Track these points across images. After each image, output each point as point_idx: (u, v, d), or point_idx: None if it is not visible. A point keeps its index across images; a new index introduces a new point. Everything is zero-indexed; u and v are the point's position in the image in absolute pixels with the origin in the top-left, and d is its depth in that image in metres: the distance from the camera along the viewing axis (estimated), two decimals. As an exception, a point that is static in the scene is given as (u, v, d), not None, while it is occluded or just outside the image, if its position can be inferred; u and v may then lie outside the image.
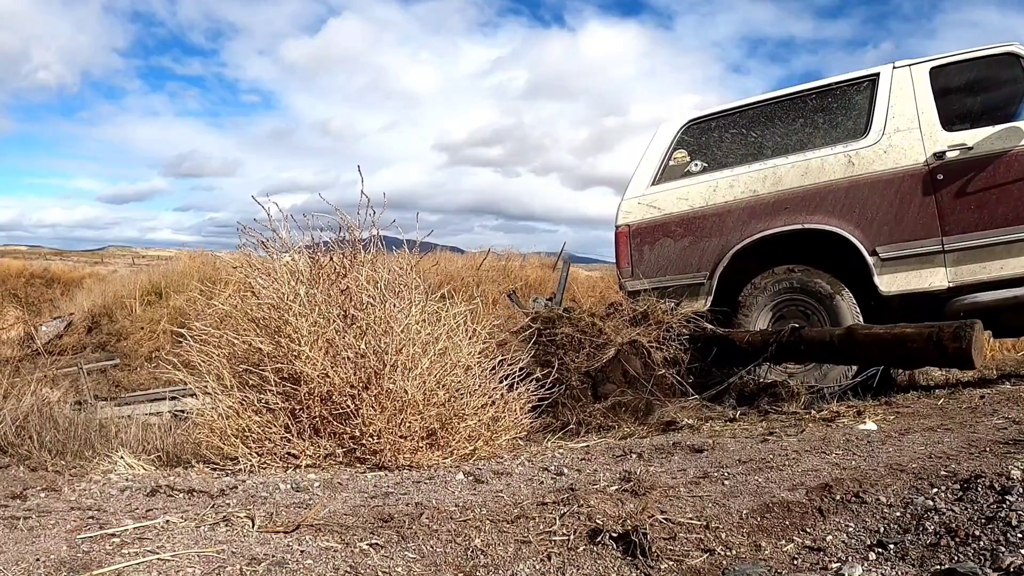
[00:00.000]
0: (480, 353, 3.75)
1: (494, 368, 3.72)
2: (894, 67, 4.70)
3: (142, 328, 13.28)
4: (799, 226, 4.61)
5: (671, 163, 5.13)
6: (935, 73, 4.58)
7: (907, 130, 4.51)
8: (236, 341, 3.50)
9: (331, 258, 3.70)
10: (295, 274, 3.64)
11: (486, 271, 14.40)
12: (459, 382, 3.55)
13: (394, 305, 3.48)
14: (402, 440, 3.27)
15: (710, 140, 5.15)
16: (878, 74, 4.71)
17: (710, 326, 4.60)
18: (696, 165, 5.10)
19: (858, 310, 4.51)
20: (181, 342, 3.73)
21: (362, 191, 3.71)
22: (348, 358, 3.32)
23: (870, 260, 4.46)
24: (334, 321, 3.41)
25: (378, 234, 3.80)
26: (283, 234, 3.84)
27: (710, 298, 4.83)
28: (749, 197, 4.78)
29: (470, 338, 3.74)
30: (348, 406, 3.27)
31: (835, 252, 4.58)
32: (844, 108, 4.81)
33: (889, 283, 4.45)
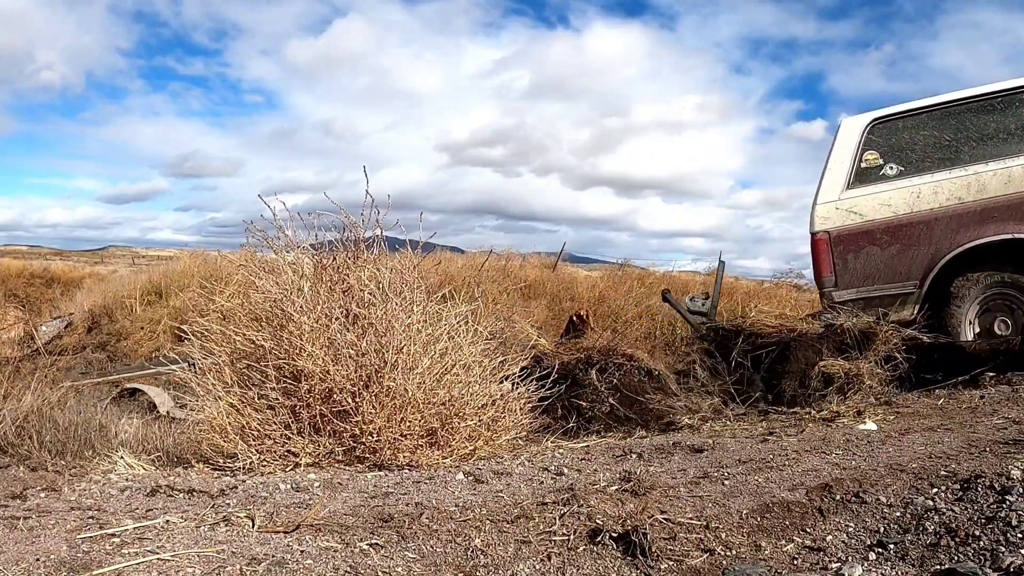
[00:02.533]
0: (481, 353, 3.75)
1: (493, 369, 3.72)
2: None
3: (142, 328, 13.25)
4: (1009, 236, 4.65)
5: (863, 165, 5.08)
6: None
7: None
8: (237, 338, 3.50)
9: (334, 257, 3.71)
10: (298, 272, 3.64)
11: (487, 271, 14.38)
12: (460, 381, 3.55)
13: (396, 304, 3.48)
14: (402, 439, 3.27)
15: (901, 141, 5.07)
16: None
17: (926, 337, 4.54)
18: (891, 168, 5.03)
19: None
20: (183, 340, 3.73)
21: (367, 191, 3.71)
22: (349, 356, 3.32)
23: None
24: (336, 319, 3.41)
25: (381, 234, 3.80)
26: (288, 232, 3.85)
27: (917, 307, 4.85)
28: (955, 205, 4.78)
29: (471, 338, 3.74)
30: (348, 404, 3.27)
31: None
32: None
33: None
